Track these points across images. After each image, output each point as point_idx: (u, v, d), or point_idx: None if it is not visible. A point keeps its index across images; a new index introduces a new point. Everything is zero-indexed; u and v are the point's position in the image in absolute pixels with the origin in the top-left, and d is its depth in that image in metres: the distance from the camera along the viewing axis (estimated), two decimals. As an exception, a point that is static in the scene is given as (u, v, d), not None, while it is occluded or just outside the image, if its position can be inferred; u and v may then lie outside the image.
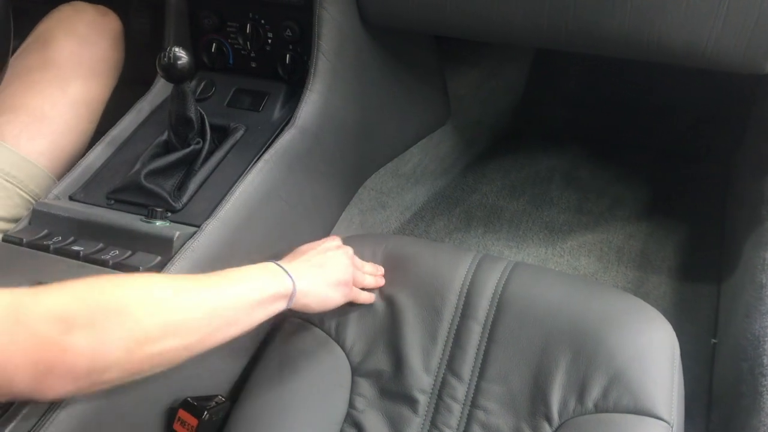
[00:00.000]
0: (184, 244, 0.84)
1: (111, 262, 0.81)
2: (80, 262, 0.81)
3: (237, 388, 0.95)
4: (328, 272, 0.86)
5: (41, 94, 1.03)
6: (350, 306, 0.95)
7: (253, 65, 1.13)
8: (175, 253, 0.83)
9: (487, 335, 0.90)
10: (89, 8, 1.13)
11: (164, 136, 0.98)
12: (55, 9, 1.12)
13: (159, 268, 0.81)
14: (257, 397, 0.90)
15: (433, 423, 0.87)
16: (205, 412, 0.83)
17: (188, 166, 0.96)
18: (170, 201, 0.91)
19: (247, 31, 1.10)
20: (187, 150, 0.95)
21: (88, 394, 0.69)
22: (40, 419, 0.68)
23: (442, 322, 0.92)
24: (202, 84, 1.12)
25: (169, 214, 0.89)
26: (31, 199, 0.96)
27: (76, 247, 0.83)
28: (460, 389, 0.88)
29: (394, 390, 0.90)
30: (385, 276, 0.97)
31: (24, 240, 0.85)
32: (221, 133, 1.01)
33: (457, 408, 0.87)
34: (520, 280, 0.93)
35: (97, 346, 0.58)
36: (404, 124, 1.38)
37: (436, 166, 1.51)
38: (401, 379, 0.90)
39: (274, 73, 1.11)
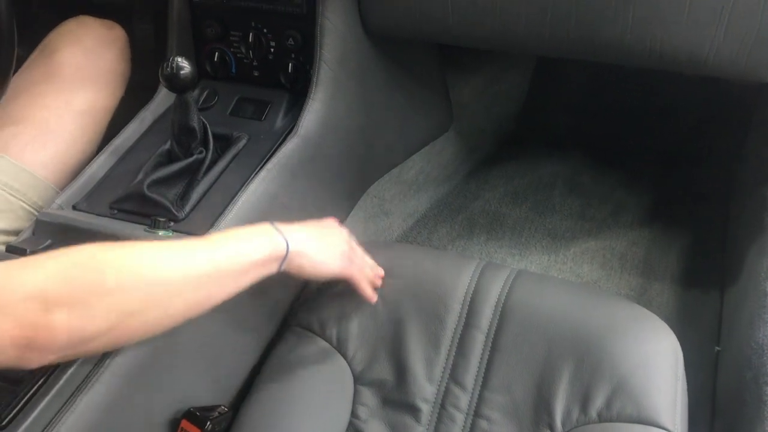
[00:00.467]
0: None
1: None
2: None
3: (240, 398, 0.95)
4: (324, 238, 0.85)
5: (47, 107, 1.03)
6: (352, 314, 0.95)
7: (256, 74, 1.13)
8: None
9: (490, 344, 0.90)
10: (95, 22, 1.13)
11: (167, 146, 0.98)
12: (61, 23, 1.12)
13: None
14: (260, 406, 0.90)
15: (436, 432, 0.87)
16: (208, 423, 0.83)
17: (191, 175, 0.96)
18: (173, 210, 0.91)
19: (250, 40, 1.10)
20: (190, 159, 0.95)
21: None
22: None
23: (445, 330, 0.92)
24: (205, 93, 1.12)
25: (172, 223, 0.89)
26: (34, 212, 0.97)
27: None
28: (463, 398, 0.88)
29: (396, 399, 0.90)
30: (387, 284, 0.97)
31: (27, 250, 0.85)
32: (224, 143, 1.01)
33: (460, 417, 0.87)
34: (524, 288, 0.93)
35: (78, 323, 0.58)
36: (407, 131, 1.38)
37: (439, 173, 1.51)
38: (404, 388, 0.90)
39: (276, 82, 1.12)
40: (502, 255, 1.37)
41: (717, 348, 1.12)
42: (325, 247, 0.84)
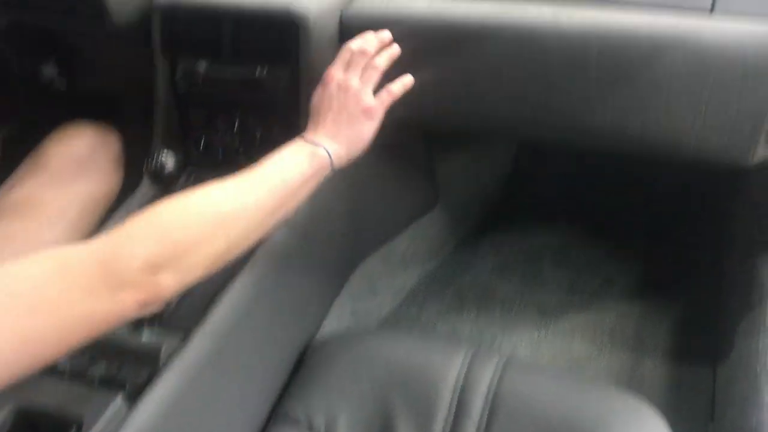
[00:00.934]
0: (171, 354, 0.83)
1: (98, 379, 0.79)
2: (66, 382, 0.80)
3: None
4: (352, 120, 0.92)
5: (26, 239, 1.02)
6: (341, 405, 0.94)
7: (243, 160, 1.13)
8: (163, 365, 0.82)
9: (482, 437, 0.89)
10: (89, 129, 1.14)
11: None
12: (57, 130, 1.12)
13: (146, 382, 0.80)
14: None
15: None
16: None
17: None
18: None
19: (236, 127, 1.11)
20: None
21: None
22: None
23: (435, 422, 0.91)
24: (191, 180, 1.12)
25: (157, 323, 0.88)
26: None
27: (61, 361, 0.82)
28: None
29: (387, 496, 0.88)
30: (376, 377, 0.96)
31: None
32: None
33: None
34: (514, 379, 0.93)
35: (182, 277, 0.70)
36: (394, 210, 1.39)
37: (427, 247, 1.51)
38: (394, 484, 0.88)
39: (263, 167, 1.12)
40: (492, 331, 1.36)
41: (709, 429, 1.11)
42: (354, 125, 0.92)
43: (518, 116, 1.00)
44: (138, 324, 0.86)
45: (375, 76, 0.95)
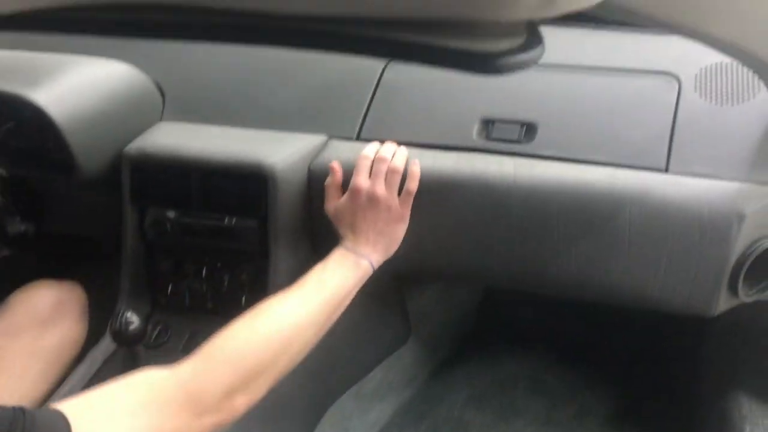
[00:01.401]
0: None
1: None
2: None
3: None
4: (386, 227, 0.96)
5: None
6: None
7: (210, 305, 1.13)
8: None
9: None
10: (54, 288, 1.13)
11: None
12: (21, 289, 1.12)
13: None
14: None
15: None
16: None
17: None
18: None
19: (203, 274, 1.11)
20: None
21: None
22: None
23: None
24: (157, 330, 1.09)
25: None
26: None
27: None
28: None
29: None
30: None
31: None
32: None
33: None
34: None
35: (253, 397, 0.78)
36: (365, 348, 1.37)
37: (400, 379, 1.49)
38: None
39: (231, 312, 1.11)
40: (467, 470, 1.32)
41: None
42: (388, 232, 0.96)
43: (484, 266, 1.01)
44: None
45: (398, 179, 0.97)
